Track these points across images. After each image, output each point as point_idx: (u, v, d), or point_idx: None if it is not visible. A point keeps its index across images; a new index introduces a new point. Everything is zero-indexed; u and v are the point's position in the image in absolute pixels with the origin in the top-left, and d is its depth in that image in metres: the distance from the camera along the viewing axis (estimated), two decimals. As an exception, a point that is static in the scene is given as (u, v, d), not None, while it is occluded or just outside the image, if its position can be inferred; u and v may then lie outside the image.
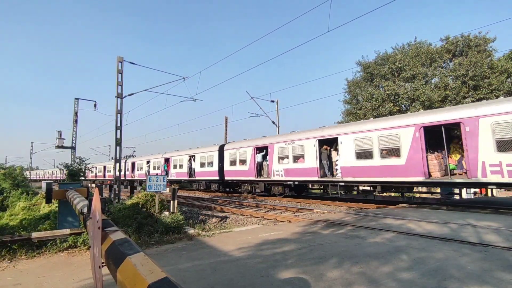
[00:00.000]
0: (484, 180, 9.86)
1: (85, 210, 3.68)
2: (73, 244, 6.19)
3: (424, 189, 16.81)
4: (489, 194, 16.44)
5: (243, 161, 20.18)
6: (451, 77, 24.32)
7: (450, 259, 4.62)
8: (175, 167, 28.24)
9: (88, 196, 6.64)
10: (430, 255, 4.87)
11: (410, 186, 12.87)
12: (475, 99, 21.47)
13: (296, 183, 16.42)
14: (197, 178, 25.34)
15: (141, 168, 34.26)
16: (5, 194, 16.94)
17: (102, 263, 2.15)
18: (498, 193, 17.78)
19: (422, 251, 5.15)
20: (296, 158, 16.24)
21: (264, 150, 19.18)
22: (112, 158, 36.03)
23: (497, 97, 20.79)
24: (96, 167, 46.19)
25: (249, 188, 20.47)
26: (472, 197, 16.72)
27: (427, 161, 11.29)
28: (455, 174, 11.48)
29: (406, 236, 6.38)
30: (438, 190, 15.94)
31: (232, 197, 20.05)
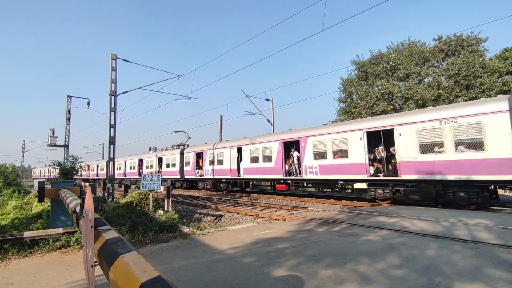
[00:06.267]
0: None
1: (78, 209, 3.65)
2: (66, 243, 6.13)
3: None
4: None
5: (267, 157, 17.80)
6: (444, 77, 24.61)
7: (441, 256, 4.69)
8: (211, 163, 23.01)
9: (81, 195, 6.58)
10: (422, 252, 4.93)
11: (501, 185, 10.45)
12: (467, 98, 21.76)
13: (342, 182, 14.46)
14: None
15: (174, 165, 27.49)
16: (-4, 193, 16.70)
17: (95, 262, 2.14)
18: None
19: (414, 248, 5.21)
20: (337, 153, 14.19)
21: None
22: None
23: (488, 96, 21.11)
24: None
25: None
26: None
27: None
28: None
29: (399, 233, 6.45)
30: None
31: (227, 196, 20.04)
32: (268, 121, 26.03)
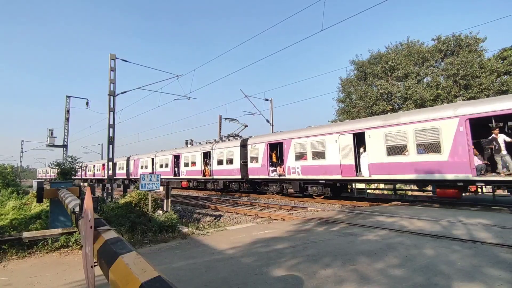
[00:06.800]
0: None
1: (77, 209, 3.65)
2: (65, 244, 6.11)
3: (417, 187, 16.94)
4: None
5: (429, 146, 11.28)
6: (442, 76, 24.69)
7: (440, 256, 4.70)
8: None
9: (80, 195, 6.57)
10: (421, 252, 4.94)
11: None
12: (466, 98, 21.83)
13: None
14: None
15: (230, 161, 20.79)
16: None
17: (95, 262, 2.14)
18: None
19: (413, 248, 5.22)
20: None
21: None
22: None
23: (487, 96, 21.19)
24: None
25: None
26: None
27: None
28: None
29: (398, 233, 6.46)
30: (430, 188, 16.12)
31: (227, 196, 20.04)
32: (268, 121, 26.05)
